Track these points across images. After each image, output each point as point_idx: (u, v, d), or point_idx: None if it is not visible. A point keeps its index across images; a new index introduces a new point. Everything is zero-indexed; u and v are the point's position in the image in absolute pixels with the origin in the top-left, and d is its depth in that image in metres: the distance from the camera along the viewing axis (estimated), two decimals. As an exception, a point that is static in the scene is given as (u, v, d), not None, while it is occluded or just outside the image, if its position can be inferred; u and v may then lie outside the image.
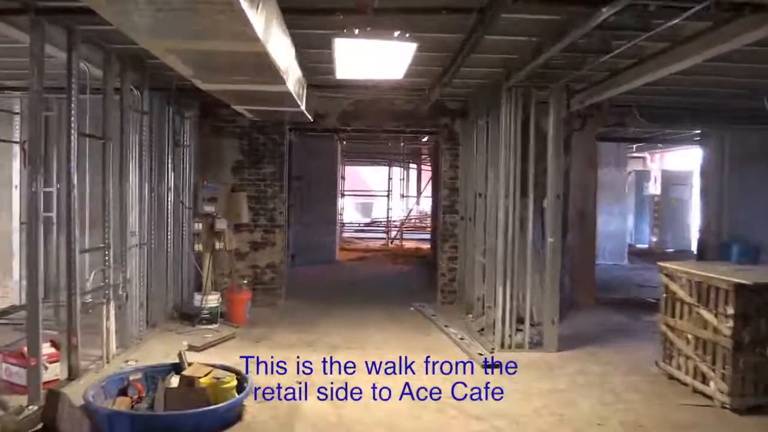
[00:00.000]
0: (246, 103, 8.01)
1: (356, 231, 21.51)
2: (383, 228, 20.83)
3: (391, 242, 18.88)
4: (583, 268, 9.82)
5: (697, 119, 9.80)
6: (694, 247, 18.34)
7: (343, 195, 19.30)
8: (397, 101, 9.79)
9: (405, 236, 19.50)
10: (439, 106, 9.75)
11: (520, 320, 7.31)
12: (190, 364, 5.43)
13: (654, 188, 19.90)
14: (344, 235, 19.96)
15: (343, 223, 19.97)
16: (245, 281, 8.53)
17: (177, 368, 5.42)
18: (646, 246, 18.95)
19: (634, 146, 17.42)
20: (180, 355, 5.55)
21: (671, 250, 17.71)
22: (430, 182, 21.89)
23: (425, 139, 20.23)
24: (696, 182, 15.21)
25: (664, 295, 6.36)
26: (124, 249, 6.83)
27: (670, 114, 9.59)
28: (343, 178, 19.16)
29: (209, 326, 8.05)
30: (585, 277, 9.88)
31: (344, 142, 18.81)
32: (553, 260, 7.16)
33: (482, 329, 7.93)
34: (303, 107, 7.76)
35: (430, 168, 23.62)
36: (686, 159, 19.09)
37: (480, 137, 8.55)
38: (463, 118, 9.71)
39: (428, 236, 20.57)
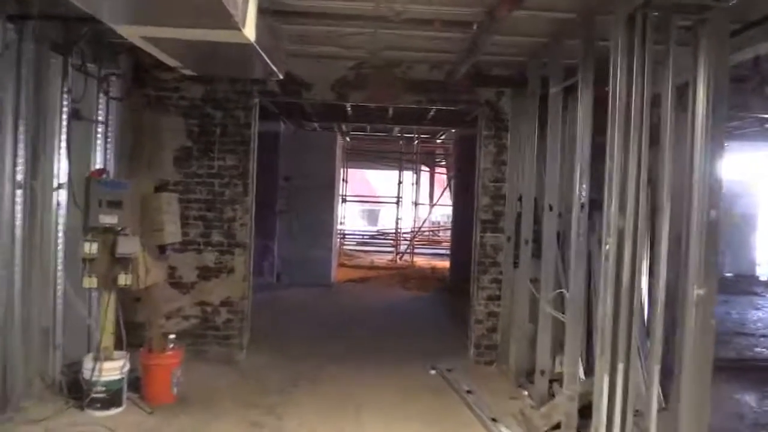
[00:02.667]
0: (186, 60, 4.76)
1: (359, 243, 18.14)
2: (391, 240, 17.45)
3: (400, 258, 15.52)
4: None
5: None
6: (760, 271, 15.30)
7: (344, 200, 15.98)
8: (416, 67, 6.48)
9: (416, 250, 16.11)
10: (478, 74, 6.43)
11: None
12: None
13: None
14: (345, 248, 16.62)
15: (344, 234, 16.62)
16: (172, 335, 5.24)
17: None
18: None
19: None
20: None
21: (730, 274, 14.36)
22: (447, 188, 18.58)
23: (442, 137, 16.96)
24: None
25: None
26: None
27: None
28: (344, 180, 15.82)
29: (106, 411, 4.75)
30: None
31: (347, 139, 15.53)
32: (702, 328, 3.78)
33: (557, 428, 4.62)
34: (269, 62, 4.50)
35: (445, 172, 20.31)
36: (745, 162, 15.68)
37: (554, 116, 5.20)
38: (517, 90, 6.37)
39: (443, 251, 17.24)
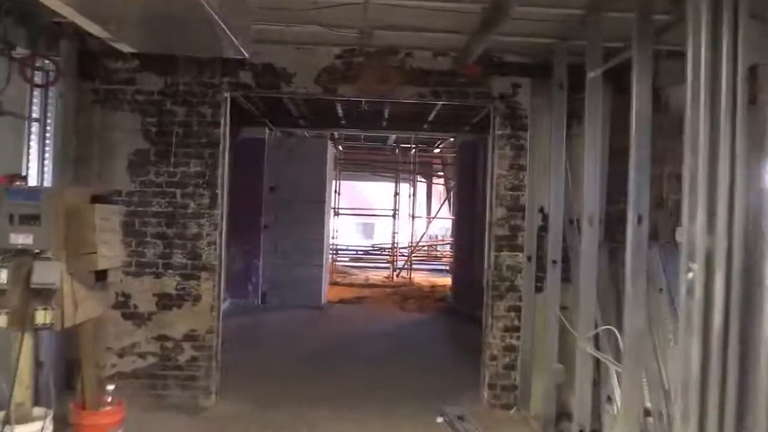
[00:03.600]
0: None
1: (353, 259, 16.98)
2: (387, 255, 16.31)
3: (397, 275, 14.37)
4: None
5: None
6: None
7: (337, 213, 14.86)
8: (417, 53, 5.39)
9: (414, 265, 14.96)
10: (492, 62, 5.36)
11: None
12: None
13: None
14: (338, 264, 15.47)
15: (337, 250, 15.48)
16: (111, 386, 4.09)
17: None
18: None
19: None
20: None
21: None
22: (446, 200, 17.48)
23: (440, 146, 15.89)
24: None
25: None
26: None
27: None
28: (337, 192, 14.71)
29: (18, 491, 3.58)
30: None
31: (340, 148, 14.45)
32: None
33: None
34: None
35: (444, 183, 19.24)
36: None
37: (593, 107, 4.10)
38: (538, 81, 5.29)
39: (442, 267, 16.13)
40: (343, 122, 9.82)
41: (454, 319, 9.71)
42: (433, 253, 17.35)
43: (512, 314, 5.41)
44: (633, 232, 3.35)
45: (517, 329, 5.40)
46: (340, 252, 16.12)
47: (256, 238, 10.28)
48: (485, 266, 5.67)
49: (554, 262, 4.76)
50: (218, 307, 5.47)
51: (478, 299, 10.36)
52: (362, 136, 16.58)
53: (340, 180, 15.10)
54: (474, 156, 10.39)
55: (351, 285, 13.23)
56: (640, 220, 3.36)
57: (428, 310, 10.42)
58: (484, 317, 5.60)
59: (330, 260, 13.84)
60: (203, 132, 5.35)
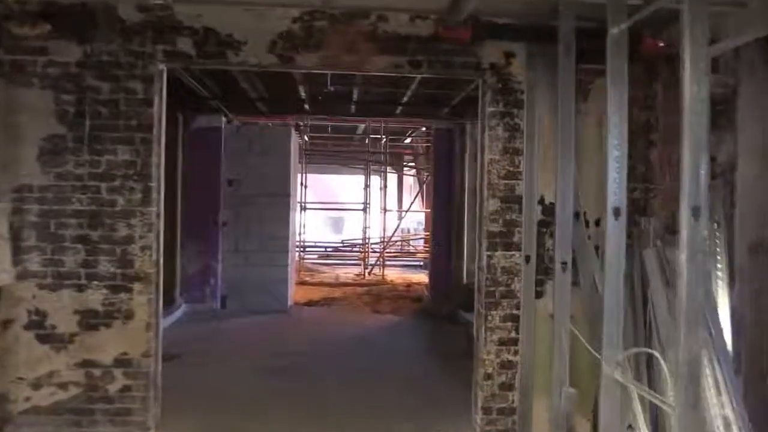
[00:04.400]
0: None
1: (322, 256, 15.99)
2: (358, 251, 15.39)
3: (369, 272, 13.46)
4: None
5: None
6: None
7: (304, 208, 13.87)
8: (392, 17, 4.47)
9: (387, 262, 14.05)
10: (481, 26, 4.46)
11: None
12: None
13: None
14: (306, 262, 14.49)
15: (304, 247, 14.48)
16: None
17: None
18: None
19: None
20: None
21: None
22: (420, 192, 16.62)
23: (411, 135, 15.01)
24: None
25: None
26: None
27: None
28: (303, 185, 13.72)
29: None
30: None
31: (305, 138, 13.48)
32: None
33: None
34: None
35: (416, 174, 18.39)
36: None
37: (617, 70, 3.24)
38: (537, 48, 4.40)
39: (416, 263, 15.29)
40: (307, 107, 8.87)
41: (432, 322, 8.86)
42: (407, 248, 16.45)
43: (509, 324, 4.54)
44: (690, 230, 2.48)
45: (514, 342, 4.54)
46: (308, 249, 15.13)
47: (214, 237, 9.28)
48: (476, 268, 4.78)
49: (563, 264, 3.91)
50: (156, 324, 4.48)
51: (457, 299, 9.59)
52: (329, 127, 15.73)
53: (306, 173, 14.10)
54: (450, 144, 9.53)
55: (320, 284, 12.27)
56: (696, 213, 2.50)
57: (404, 312, 9.54)
58: (476, 328, 4.72)
59: (297, 258, 12.87)
60: (133, 112, 4.34)
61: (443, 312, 9.23)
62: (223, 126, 9.32)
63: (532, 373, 4.46)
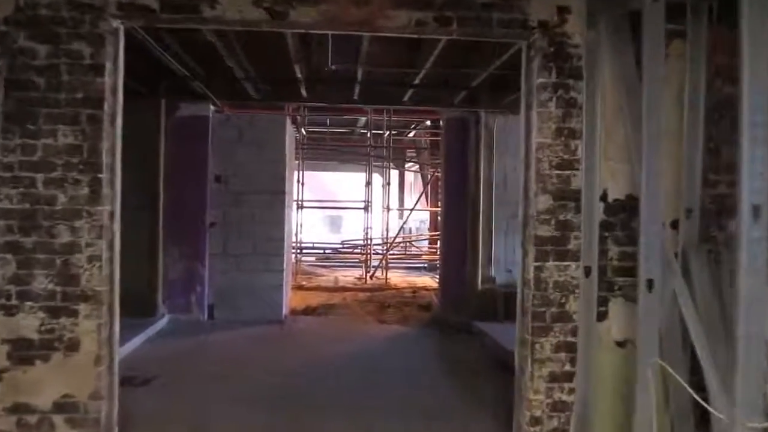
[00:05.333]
0: None
1: (320, 258, 14.93)
2: (360, 253, 14.35)
3: (371, 275, 12.43)
4: None
5: None
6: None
7: (300, 207, 12.83)
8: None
9: (390, 264, 12.99)
10: (529, -28, 3.46)
11: None
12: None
13: None
14: (303, 265, 13.45)
15: (301, 248, 13.43)
16: None
17: None
18: None
19: None
20: None
21: None
22: (424, 189, 15.59)
23: (415, 129, 14.00)
24: None
25: None
26: None
27: None
28: (300, 182, 12.67)
29: None
30: None
31: (303, 132, 12.47)
32: None
33: None
34: None
35: (419, 170, 17.39)
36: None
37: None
38: (600, 1, 3.41)
39: (420, 264, 14.29)
40: (304, 93, 7.84)
41: (443, 333, 7.84)
42: (411, 250, 15.39)
43: (563, 355, 3.53)
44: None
45: (569, 377, 3.53)
46: (305, 251, 14.07)
47: (200, 239, 8.23)
48: (519, 283, 3.77)
49: (649, 282, 2.89)
50: (110, 357, 3.46)
51: (471, 307, 8.59)
52: (328, 120, 14.72)
53: (303, 170, 13.07)
54: (464, 135, 8.50)
55: (318, 289, 11.25)
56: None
57: (412, 322, 8.51)
58: (519, 359, 3.71)
59: (293, 260, 11.85)
60: (78, 82, 3.33)
61: (455, 322, 8.22)
62: (210, 115, 8.28)
63: (592, 418, 3.45)
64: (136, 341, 7.00)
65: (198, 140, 8.21)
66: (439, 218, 15.36)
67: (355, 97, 7.84)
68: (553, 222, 3.51)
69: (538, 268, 3.50)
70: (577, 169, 3.50)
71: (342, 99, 8.09)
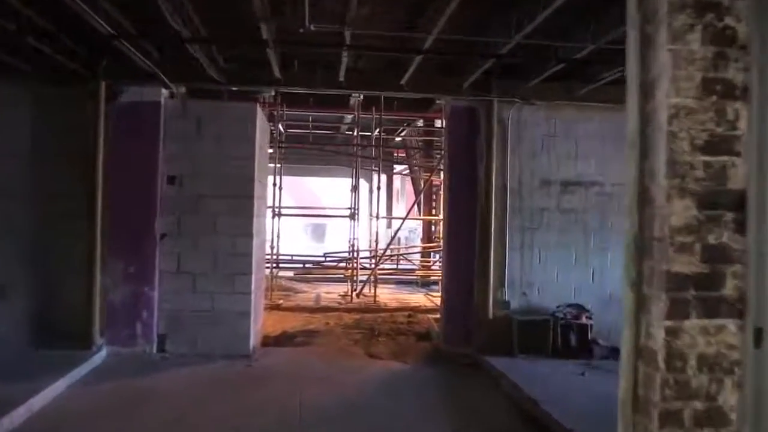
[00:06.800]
0: None
1: (300, 272, 13.22)
2: (345, 267, 12.69)
3: (358, 294, 10.79)
4: None
5: None
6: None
7: (277, 215, 11.16)
8: None
9: (379, 278, 11.34)
10: None
11: None
12: None
13: None
14: (281, 280, 11.75)
15: (278, 262, 11.71)
16: None
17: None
18: None
19: None
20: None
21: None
22: (417, 195, 13.99)
23: (407, 128, 12.46)
24: None
25: None
26: None
27: None
28: (276, 186, 11.01)
29: None
30: None
31: (280, 129, 10.88)
32: None
33: None
34: None
35: (409, 173, 15.85)
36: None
37: None
38: None
39: (411, 279, 12.71)
40: (278, 75, 6.25)
41: (450, 374, 6.27)
42: (401, 263, 13.70)
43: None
44: None
45: None
46: (282, 264, 12.38)
47: (148, 254, 6.58)
48: (627, 354, 2.16)
49: None
50: None
51: (480, 339, 6.99)
52: (310, 118, 13.12)
53: (282, 173, 11.42)
54: (472, 128, 6.96)
55: (296, 309, 9.61)
56: None
57: (409, 355, 6.88)
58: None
59: (269, 275, 10.20)
60: None
61: (462, 356, 6.66)
62: (162, 101, 6.64)
63: None
64: (59, 385, 5.36)
65: (147, 132, 6.59)
66: (432, 228, 13.83)
67: (341, 80, 6.24)
68: (697, 248, 1.93)
69: (671, 332, 1.92)
70: (738, 154, 1.93)
71: (325, 83, 6.49)
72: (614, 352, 6.70)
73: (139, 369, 6.10)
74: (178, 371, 6.10)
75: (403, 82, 6.35)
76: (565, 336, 6.69)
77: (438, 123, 12.29)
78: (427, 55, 5.45)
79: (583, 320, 6.75)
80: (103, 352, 6.42)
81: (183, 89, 6.97)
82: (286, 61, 6.44)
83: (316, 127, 13.48)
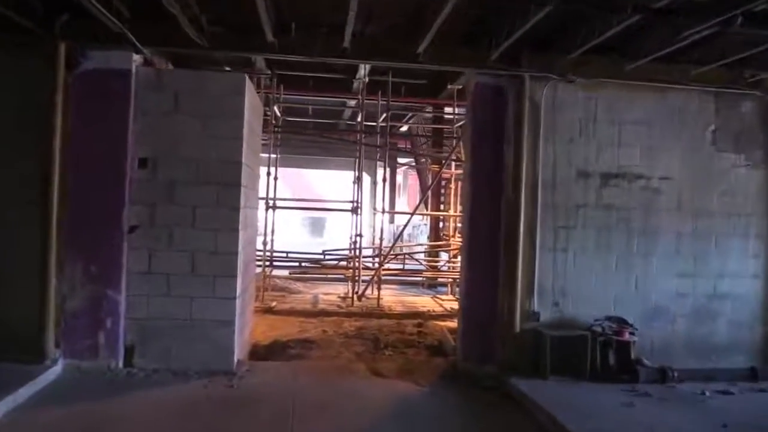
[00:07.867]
0: None
1: (295, 272, 12.10)
2: (346, 267, 11.62)
3: (360, 295, 9.71)
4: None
5: None
6: None
7: (272, 207, 10.07)
8: None
9: (382, 277, 10.26)
10: None
11: None
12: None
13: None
14: (275, 279, 10.66)
15: (272, 259, 10.59)
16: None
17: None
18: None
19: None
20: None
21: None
22: (423, 188, 12.93)
23: (413, 117, 11.41)
24: None
25: None
26: None
27: None
28: (271, 176, 9.92)
29: None
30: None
31: (276, 111, 9.82)
32: None
33: None
34: None
35: (415, 163, 14.82)
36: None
37: None
38: None
39: (416, 279, 11.65)
40: (271, 38, 5.17)
41: (471, 401, 5.19)
42: (409, 263, 12.58)
43: None
44: None
45: None
46: (277, 262, 11.26)
47: (114, 251, 5.50)
48: None
49: None
50: None
51: (506, 355, 5.80)
52: (310, 109, 12.09)
53: (278, 163, 10.32)
54: (499, 109, 5.88)
55: (291, 313, 8.54)
56: None
57: (420, 373, 5.80)
58: None
59: (261, 274, 9.12)
60: None
61: (483, 376, 5.60)
62: (133, 69, 5.54)
63: None
64: (-4, 410, 4.30)
65: (114, 105, 5.50)
66: (441, 224, 12.75)
67: (346, 46, 5.16)
68: None
69: None
70: None
71: (326, 50, 5.40)
72: (661, 374, 5.70)
73: (99, 389, 5.05)
74: (145, 393, 5.03)
75: (420, 50, 5.26)
76: (604, 355, 5.64)
77: (448, 111, 11.24)
78: (453, 16, 4.35)
79: (626, 336, 5.69)
80: (59, 367, 5.35)
81: (164, 61, 5.90)
82: (283, 24, 5.37)
83: (317, 115, 12.42)
